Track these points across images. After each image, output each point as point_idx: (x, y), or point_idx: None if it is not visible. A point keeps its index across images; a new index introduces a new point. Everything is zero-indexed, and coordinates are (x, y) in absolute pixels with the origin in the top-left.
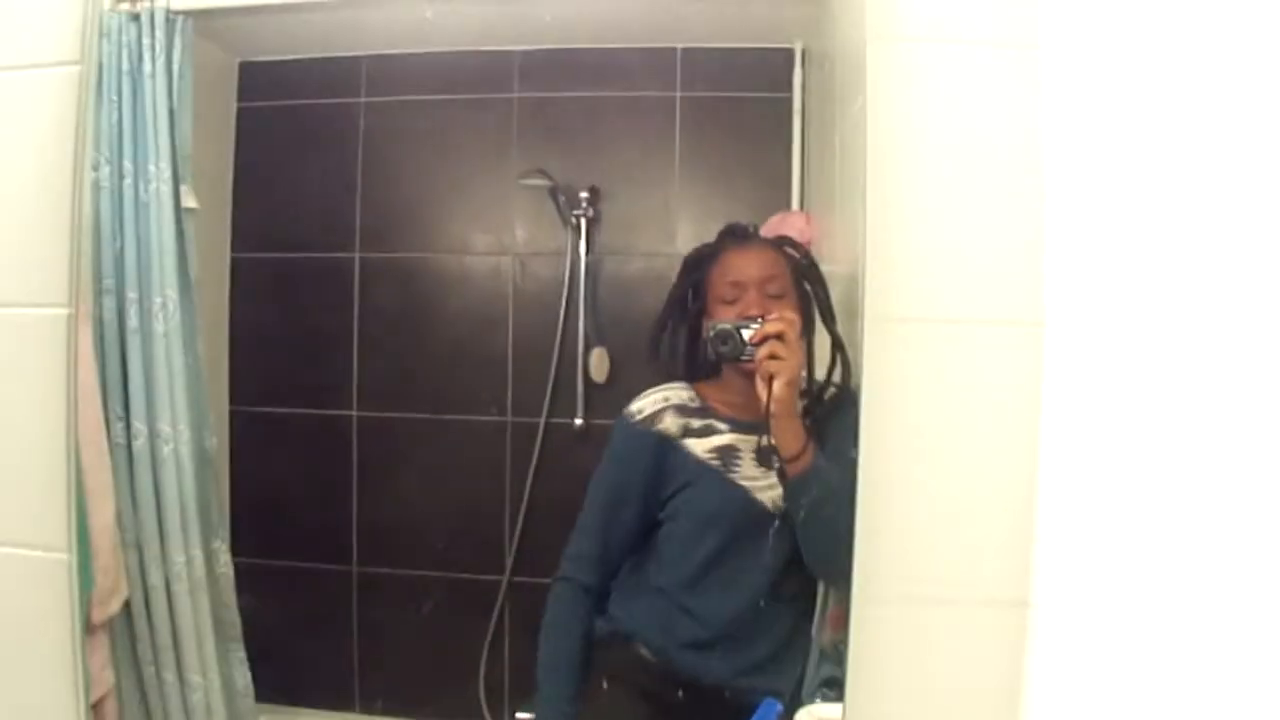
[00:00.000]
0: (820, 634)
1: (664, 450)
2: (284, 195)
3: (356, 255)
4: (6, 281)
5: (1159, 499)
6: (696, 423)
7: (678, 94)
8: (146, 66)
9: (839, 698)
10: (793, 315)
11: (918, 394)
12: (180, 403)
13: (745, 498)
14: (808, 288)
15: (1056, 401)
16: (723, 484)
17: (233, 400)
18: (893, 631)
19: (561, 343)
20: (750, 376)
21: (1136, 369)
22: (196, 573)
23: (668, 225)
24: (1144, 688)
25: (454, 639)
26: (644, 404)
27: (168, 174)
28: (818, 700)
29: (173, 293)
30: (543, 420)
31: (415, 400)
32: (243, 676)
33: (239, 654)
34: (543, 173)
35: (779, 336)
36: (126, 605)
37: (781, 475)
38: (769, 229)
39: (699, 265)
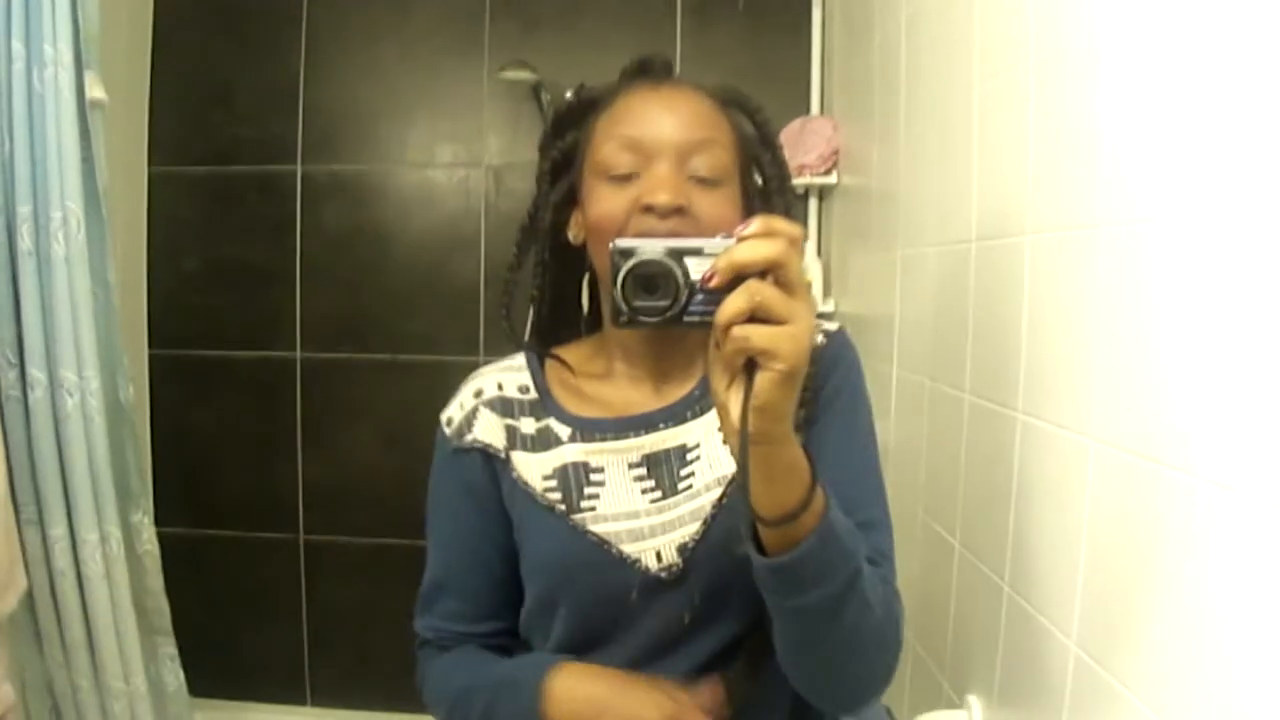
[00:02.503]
0: None
1: (495, 471)
2: (211, 97)
3: (298, 168)
4: None
5: None
6: (529, 425)
7: None
8: None
9: None
10: (793, 226)
11: None
12: (87, 344)
13: (603, 555)
14: (762, 179)
15: None
16: (560, 532)
17: (152, 343)
18: None
19: None
20: (673, 340)
21: None
22: (114, 553)
23: None
24: None
25: None
26: (453, 408)
27: (68, 58)
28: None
29: (76, 206)
30: None
31: (369, 339)
32: (174, 676)
33: (168, 649)
34: (524, 64)
35: (772, 272)
36: (28, 599)
37: (757, 545)
38: (789, 138)
39: (577, 120)
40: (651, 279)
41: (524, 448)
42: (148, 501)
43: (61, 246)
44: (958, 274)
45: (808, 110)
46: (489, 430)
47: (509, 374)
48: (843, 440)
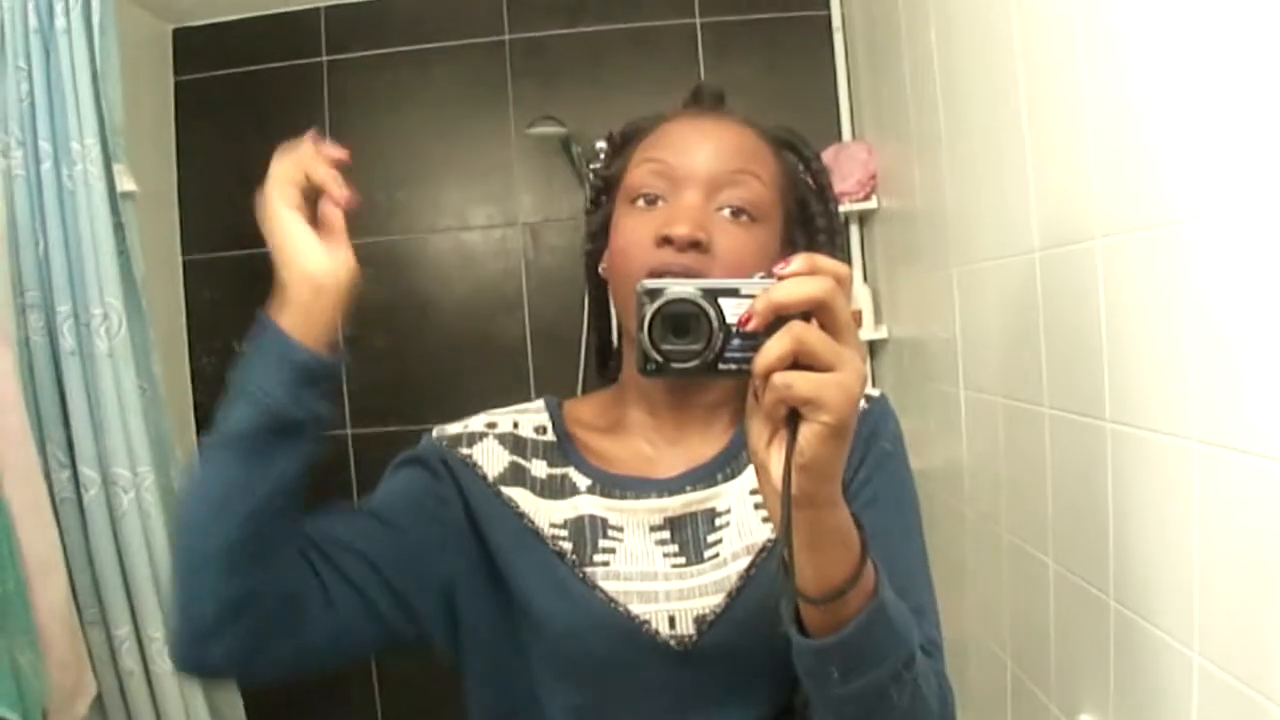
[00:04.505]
0: None
1: (467, 500)
2: (238, 178)
3: None
4: None
5: None
6: (540, 468)
7: (697, 20)
8: (59, 21)
9: None
10: (839, 264)
11: None
12: (138, 439)
13: (609, 612)
14: (810, 214)
15: None
16: (565, 582)
17: (200, 428)
18: None
19: None
20: (698, 390)
21: None
22: None
23: None
24: None
25: None
26: (454, 426)
27: (96, 152)
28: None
29: (115, 301)
30: None
31: (419, 409)
32: None
33: None
34: (553, 119)
35: (816, 314)
36: (98, 703)
37: (797, 621)
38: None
39: (622, 148)
40: (682, 320)
41: (532, 490)
42: None
43: (104, 342)
44: (1022, 286)
45: (839, 137)
46: (489, 457)
47: (525, 415)
48: (890, 520)
